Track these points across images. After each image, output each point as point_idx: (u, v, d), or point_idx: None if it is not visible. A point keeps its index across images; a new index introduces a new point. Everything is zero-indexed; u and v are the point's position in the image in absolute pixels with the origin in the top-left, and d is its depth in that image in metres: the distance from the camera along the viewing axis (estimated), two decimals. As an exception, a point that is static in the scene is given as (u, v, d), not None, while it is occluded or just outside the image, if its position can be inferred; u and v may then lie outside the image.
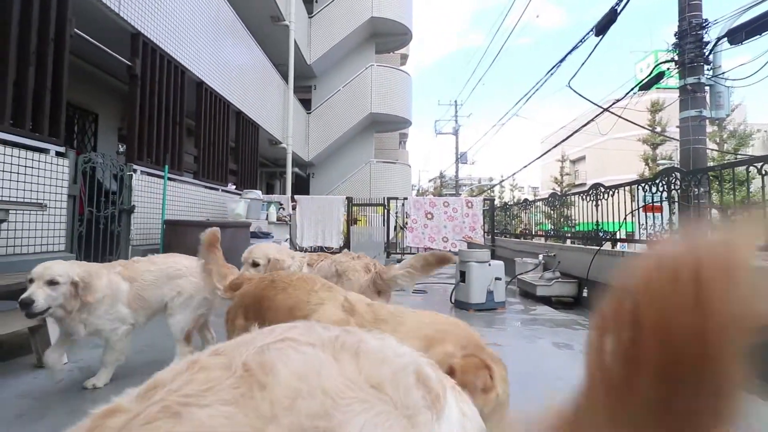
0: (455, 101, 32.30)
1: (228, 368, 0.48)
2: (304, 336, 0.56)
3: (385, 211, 9.79)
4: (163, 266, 2.50)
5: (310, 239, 9.18)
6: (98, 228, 4.51)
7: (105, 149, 7.55)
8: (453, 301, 4.99)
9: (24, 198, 3.53)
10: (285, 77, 11.94)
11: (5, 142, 3.44)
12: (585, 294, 5.12)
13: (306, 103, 15.79)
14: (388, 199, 9.87)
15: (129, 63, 5.39)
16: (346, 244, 9.20)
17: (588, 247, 5.57)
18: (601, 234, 5.68)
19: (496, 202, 12.25)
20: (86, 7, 4.64)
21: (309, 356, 0.52)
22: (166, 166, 5.79)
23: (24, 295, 2.04)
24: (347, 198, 9.82)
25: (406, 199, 9.79)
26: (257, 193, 7.59)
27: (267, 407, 0.45)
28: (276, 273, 2.45)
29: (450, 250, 8.98)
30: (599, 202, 5.80)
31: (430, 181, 49.67)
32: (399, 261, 8.80)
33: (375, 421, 0.49)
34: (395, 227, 9.80)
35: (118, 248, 4.86)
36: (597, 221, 5.79)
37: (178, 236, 4.73)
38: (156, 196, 5.63)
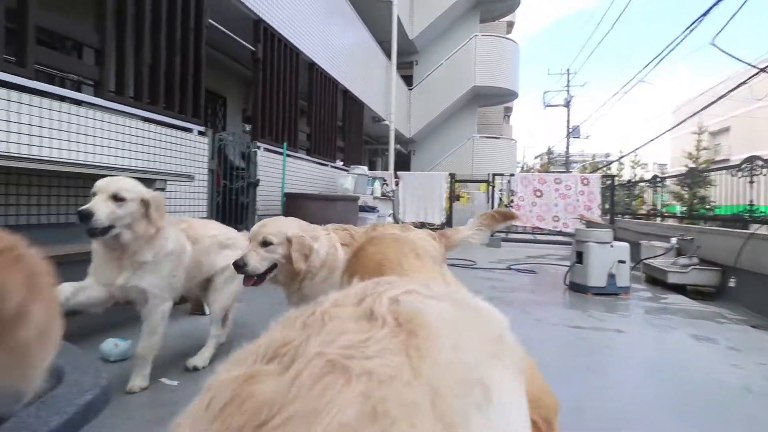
0: (567, 69, 29.78)
1: (371, 318, 0.45)
2: (424, 289, 0.54)
3: (490, 187, 9.46)
4: (218, 233, 2.30)
5: (412, 215, 9.27)
6: (231, 199, 5.07)
7: (232, 129, 8.40)
8: (567, 283, 4.67)
9: (175, 171, 4.09)
10: (387, 54, 12.00)
11: (159, 123, 4.00)
12: (732, 284, 4.40)
13: (407, 80, 15.75)
14: (493, 175, 9.50)
15: (252, 48, 5.86)
16: (449, 221, 9.12)
17: (739, 231, 4.75)
18: (755, 216, 4.81)
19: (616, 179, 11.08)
20: (215, -3, 5.10)
21: (442, 310, 0.51)
22: (285, 144, 6.25)
23: (84, 207, 1.67)
24: (450, 174, 9.67)
25: (512, 175, 9.33)
26: (363, 169, 7.84)
27: (437, 356, 0.43)
28: (377, 231, 2.40)
29: (562, 231, 8.40)
30: (754, 178, 4.89)
31: (536, 157, 46.71)
32: (504, 239, 8.53)
33: (505, 374, 0.51)
34: (499, 205, 9.43)
35: (246, 217, 5.42)
36: (750, 201, 4.90)
37: (296, 208, 5.11)
38: (276, 170, 6.12)
